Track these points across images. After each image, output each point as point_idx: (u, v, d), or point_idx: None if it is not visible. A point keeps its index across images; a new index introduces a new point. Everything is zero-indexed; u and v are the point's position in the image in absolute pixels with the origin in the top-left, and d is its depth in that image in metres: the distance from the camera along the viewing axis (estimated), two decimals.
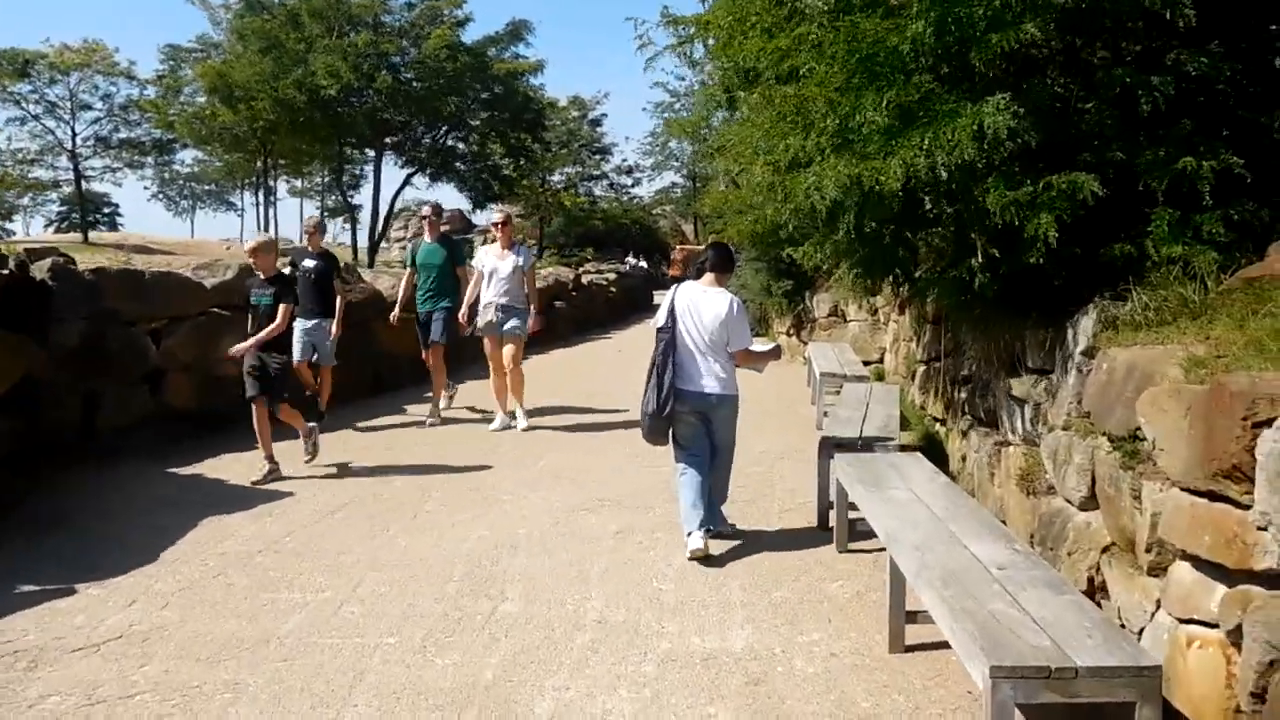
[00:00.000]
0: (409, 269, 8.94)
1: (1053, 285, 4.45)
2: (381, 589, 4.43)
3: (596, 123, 38.18)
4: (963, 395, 6.56)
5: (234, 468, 6.82)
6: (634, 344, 15.76)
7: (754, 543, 5.13)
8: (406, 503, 5.94)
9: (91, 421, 7.00)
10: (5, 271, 6.76)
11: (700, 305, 4.99)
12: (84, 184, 37.22)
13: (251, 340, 6.42)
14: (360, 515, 5.67)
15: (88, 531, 5.31)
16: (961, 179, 4.47)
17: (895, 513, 3.91)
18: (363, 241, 26.32)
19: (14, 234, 58.34)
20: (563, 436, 8.04)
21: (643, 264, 32.59)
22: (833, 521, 5.12)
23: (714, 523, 4.98)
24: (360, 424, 8.46)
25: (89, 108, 33.99)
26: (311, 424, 7.07)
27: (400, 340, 10.56)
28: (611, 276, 21.78)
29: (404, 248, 48.55)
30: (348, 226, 27.55)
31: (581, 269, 22.39)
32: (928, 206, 5.26)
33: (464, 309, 8.17)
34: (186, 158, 39.47)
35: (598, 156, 38.92)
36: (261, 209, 36.61)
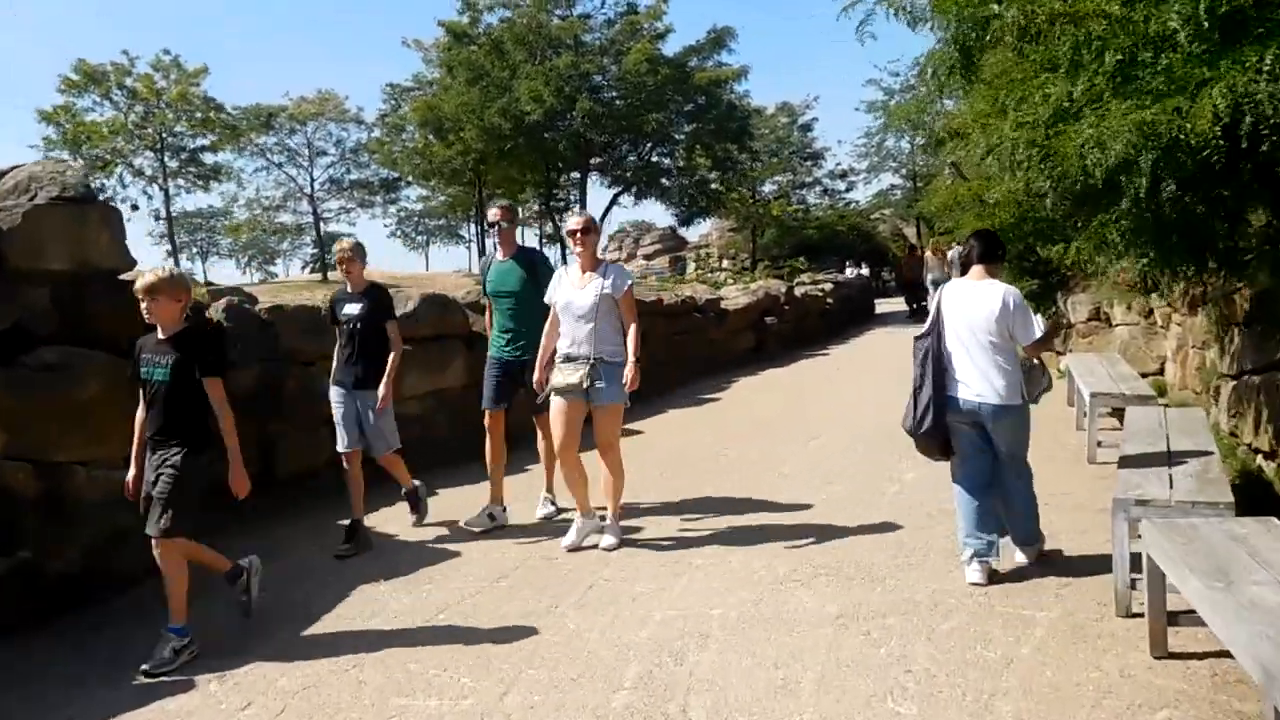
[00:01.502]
0: (485, 299, 6.31)
1: None
2: (535, 697, 3.50)
3: (807, 128, 36.63)
4: None
5: (407, 520, 6.21)
6: (852, 361, 14.31)
7: (1027, 635, 3.79)
8: (583, 568, 5.02)
9: (269, 470, 6.63)
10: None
11: (970, 303, 4.41)
12: (323, 225, 40.32)
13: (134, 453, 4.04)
14: (528, 584, 4.80)
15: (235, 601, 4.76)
16: None
17: (1275, 632, 2.51)
18: None
19: (277, 275, 64.44)
20: (773, 470, 6.89)
21: (864, 271, 30.66)
22: (1138, 607, 3.73)
23: (994, 556, 4.45)
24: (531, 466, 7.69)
25: (324, 153, 36.86)
26: (245, 561, 4.40)
27: None
28: (827, 287, 20.30)
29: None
30: (565, 251, 27.61)
31: (795, 280, 21.09)
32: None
33: (539, 364, 5.41)
34: (412, 194, 42.01)
35: (809, 162, 37.33)
36: (479, 240, 38.01)
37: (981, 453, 4.47)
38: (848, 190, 40.72)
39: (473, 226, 41.81)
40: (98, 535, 4.84)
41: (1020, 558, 4.59)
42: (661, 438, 8.59)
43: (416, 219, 60.36)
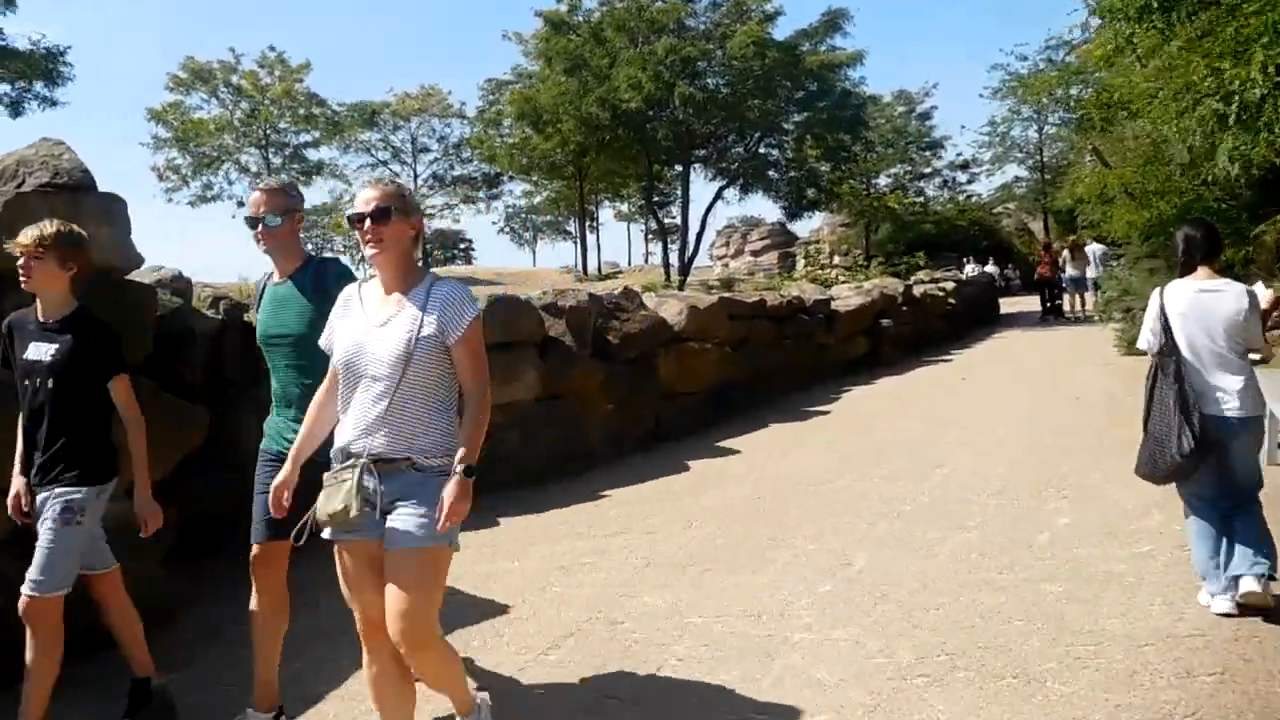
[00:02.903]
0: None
1: None
2: None
3: (925, 116, 34.61)
4: None
5: (458, 555, 5.35)
6: (981, 368, 12.85)
7: None
8: (651, 640, 4.03)
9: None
10: (219, 318, 5.88)
11: (1205, 307, 3.97)
12: (426, 222, 40.33)
13: None
14: (586, 658, 3.84)
15: (231, 660, 3.96)
16: None
17: None
18: (677, 263, 25.27)
19: None
20: (889, 506, 5.73)
21: (990, 269, 28.61)
22: None
23: (1258, 567, 3.80)
24: (618, 490, 6.74)
25: (427, 150, 36.86)
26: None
27: (688, 373, 8.85)
28: (949, 286, 18.71)
29: (725, 265, 47.48)
30: (667, 247, 26.70)
31: (913, 279, 19.59)
32: None
33: (292, 458, 2.86)
34: (516, 190, 41.73)
35: (928, 152, 35.28)
36: (582, 235, 37.38)
37: (1214, 474, 4.00)
38: (969, 182, 38.46)
39: (576, 222, 41.32)
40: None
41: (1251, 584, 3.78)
42: (757, 458, 7.52)
43: (523, 215, 60.62)
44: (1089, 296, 19.25)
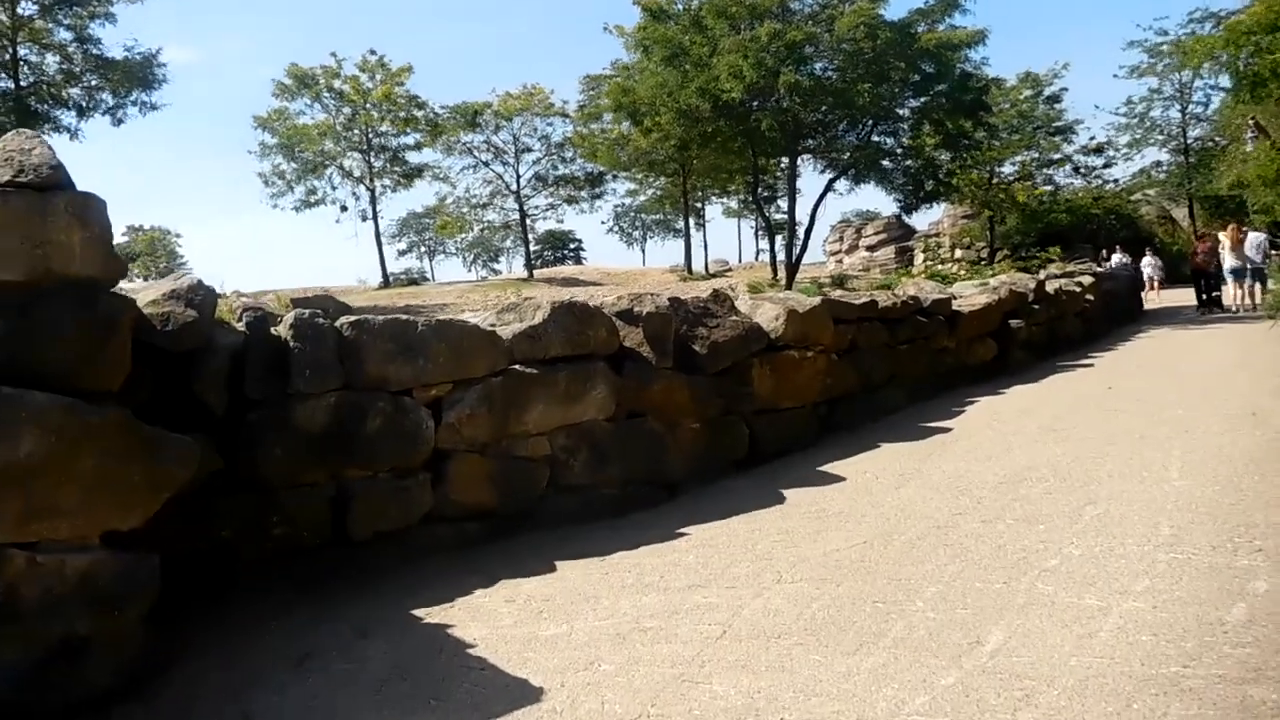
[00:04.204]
0: None
1: None
2: None
3: (1055, 99, 32.19)
4: None
5: (501, 612, 4.54)
6: (1129, 375, 11.28)
7: None
8: None
9: (341, 529, 5.17)
10: (242, 331, 5.24)
11: None
12: (531, 222, 40.15)
13: None
14: None
15: None
16: None
17: None
18: (785, 260, 24.03)
19: (500, 273, 66.45)
20: (1030, 562, 4.60)
21: (1150, 259, 26.29)
22: None
23: None
24: (700, 527, 5.79)
25: (529, 149, 36.52)
26: None
27: (786, 385, 7.84)
28: (1086, 281, 16.98)
29: (839, 261, 45.86)
30: (774, 243, 25.51)
31: (1045, 273, 17.92)
32: None
33: None
34: (620, 189, 40.96)
35: (1057, 138, 32.84)
36: (687, 233, 36.38)
37: None
38: (1105, 167, 35.75)
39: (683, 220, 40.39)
40: (34, 648, 3.50)
41: None
42: (865, 490, 6.45)
43: (632, 214, 60.18)
44: (1253, 288, 17.32)
